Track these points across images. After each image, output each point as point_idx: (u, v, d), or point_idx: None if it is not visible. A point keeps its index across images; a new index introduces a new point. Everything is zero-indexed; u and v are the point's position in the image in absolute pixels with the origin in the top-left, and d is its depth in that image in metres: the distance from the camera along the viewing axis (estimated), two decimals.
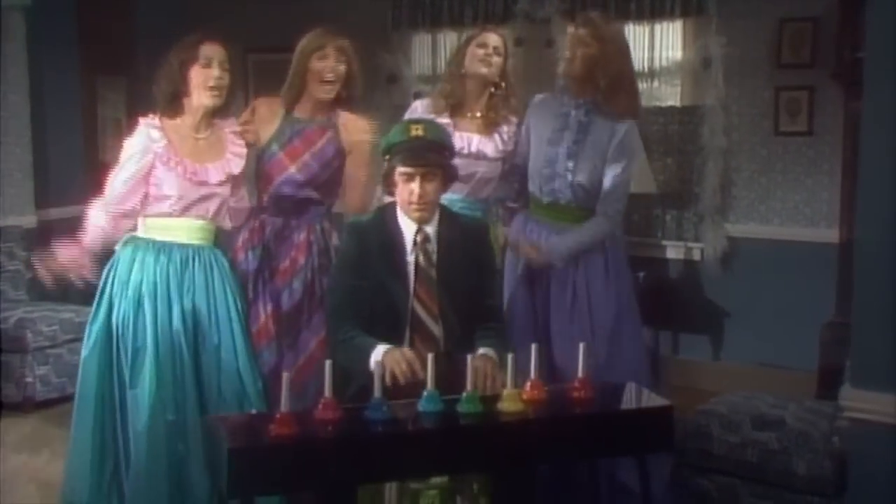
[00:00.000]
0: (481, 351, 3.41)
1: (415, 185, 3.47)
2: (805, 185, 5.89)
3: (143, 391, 3.73)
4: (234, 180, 3.93)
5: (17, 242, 6.25)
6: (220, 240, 4.03)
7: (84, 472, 3.82)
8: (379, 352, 3.32)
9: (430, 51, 6.97)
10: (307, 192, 4.03)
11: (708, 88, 6.03)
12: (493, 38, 4.17)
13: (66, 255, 3.82)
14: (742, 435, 3.83)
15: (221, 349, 3.84)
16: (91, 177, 7.01)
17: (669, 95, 6.18)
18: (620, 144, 3.94)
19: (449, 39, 6.82)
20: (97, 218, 3.86)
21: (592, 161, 3.95)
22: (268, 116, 4.07)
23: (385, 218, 3.59)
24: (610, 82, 3.90)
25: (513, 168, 4.20)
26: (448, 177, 3.60)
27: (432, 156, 3.50)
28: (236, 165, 3.91)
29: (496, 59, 4.13)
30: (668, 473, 3.91)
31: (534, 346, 3.20)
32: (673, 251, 6.24)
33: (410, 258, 3.54)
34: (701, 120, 6.04)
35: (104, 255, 3.93)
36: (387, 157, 3.55)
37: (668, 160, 6.19)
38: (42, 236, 6.66)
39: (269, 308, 4.01)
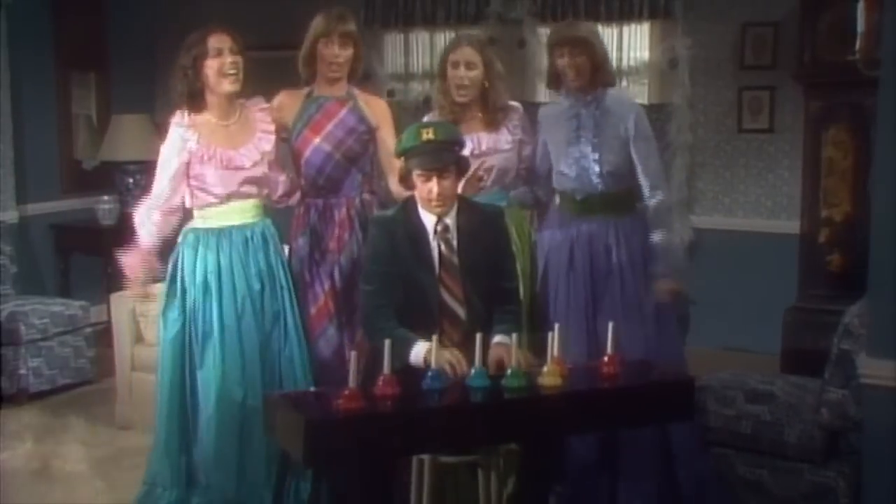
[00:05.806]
0: (497, 339, 3.63)
1: (433, 185, 3.64)
2: (767, 179, 6.15)
3: (211, 372, 3.88)
4: (268, 156, 4.06)
5: (1, 238, 6.27)
6: (272, 216, 4.18)
7: (164, 457, 3.97)
8: (421, 349, 3.51)
9: (402, 50, 7.10)
10: (336, 159, 4.21)
11: (675, 88, 6.25)
12: (465, 54, 4.16)
13: (134, 261, 3.98)
14: (736, 408, 4.07)
15: (281, 320, 4.02)
16: (65, 173, 7.14)
17: (638, 94, 6.32)
18: (636, 126, 4.15)
19: (421, 39, 6.99)
20: (148, 217, 3.99)
21: (615, 148, 4.13)
22: (291, 104, 4.25)
23: (407, 211, 3.76)
24: (596, 71, 4.13)
25: (533, 176, 4.39)
26: (461, 169, 3.79)
27: (446, 155, 3.67)
28: (267, 142, 4.06)
29: (472, 75, 4.16)
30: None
31: (556, 326, 3.46)
32: None
33: (433, 247, 3.73)
34: (668, 117, 6.24)
35: (166, 248, 4.08)
36: (402, 158, 3.73)
37: None
38: (23, 232, 6.76)
39: (326, 287, 4.20)
